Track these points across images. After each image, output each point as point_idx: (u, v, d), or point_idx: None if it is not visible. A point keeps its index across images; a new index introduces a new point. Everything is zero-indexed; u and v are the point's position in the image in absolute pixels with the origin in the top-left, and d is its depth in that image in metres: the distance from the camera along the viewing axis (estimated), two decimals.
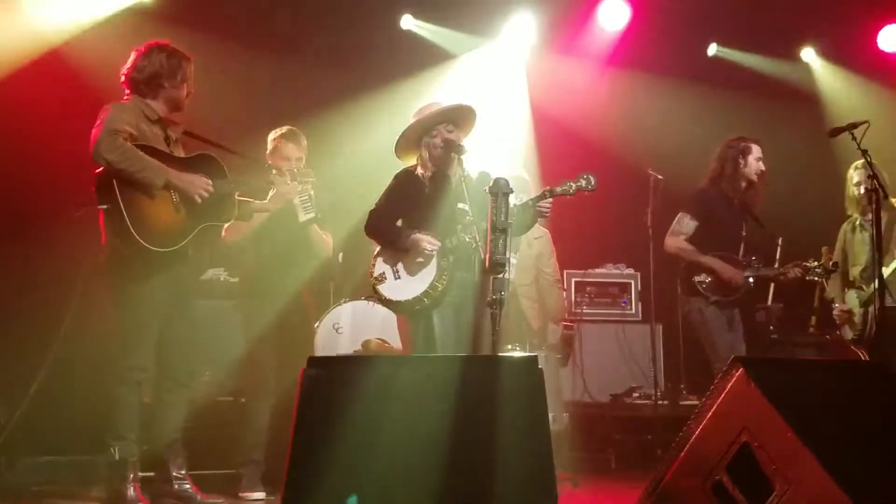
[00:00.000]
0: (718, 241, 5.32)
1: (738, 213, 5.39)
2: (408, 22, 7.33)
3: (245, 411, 4.96)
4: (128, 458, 4.19)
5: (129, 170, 3.98)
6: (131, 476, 4.19)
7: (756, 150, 5.38)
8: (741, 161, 5.36)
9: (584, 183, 4.29)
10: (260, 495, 4.78)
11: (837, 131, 4.90)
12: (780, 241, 7.18)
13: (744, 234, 5.39)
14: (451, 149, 4.30)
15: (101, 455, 4.56)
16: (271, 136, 5.05)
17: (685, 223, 5.37)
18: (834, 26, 7.62)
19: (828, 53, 7.87)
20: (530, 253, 5.97)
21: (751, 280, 5.28)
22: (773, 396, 2.85)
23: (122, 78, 4.26)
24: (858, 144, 4.87)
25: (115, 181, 3.99)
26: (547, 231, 6.08)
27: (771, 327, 6.81)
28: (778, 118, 7.69)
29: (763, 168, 5.37)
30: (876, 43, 7.62)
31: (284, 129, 5.06)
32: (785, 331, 6.98)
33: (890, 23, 7.54)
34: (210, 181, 4.23)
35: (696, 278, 5.29)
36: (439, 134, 4.39)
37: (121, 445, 4.19)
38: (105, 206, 4.05)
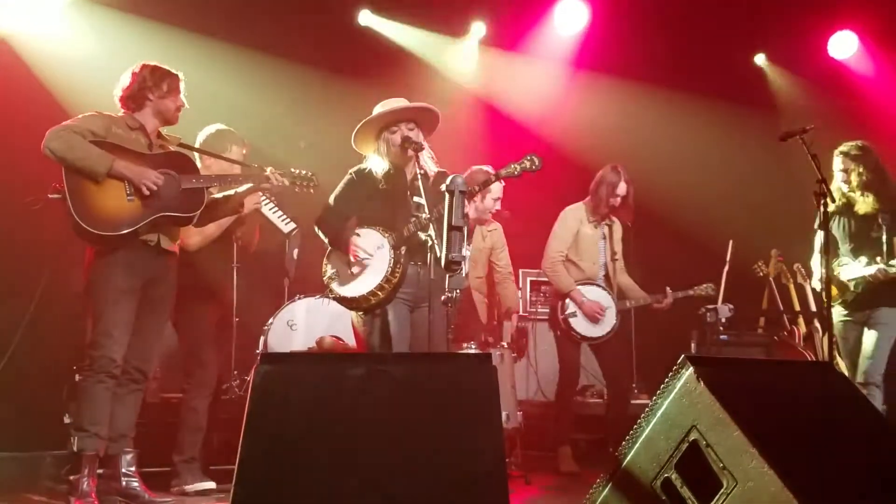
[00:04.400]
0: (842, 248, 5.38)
1: (863, 217, 5.35)
2: (365, 18, 7.31)
3: (186, 410, 4.91)
4: (85, 450, 4.17)
5: (69, 157, 4.12)
6: (86, 470, 4.16)
7: (836, 162, 5.38)
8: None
9: (528, 164, 4.31)
10: (210, 485, 4.77)
11: (788, 135, 4.98)
12: (731, 246, 7.30)
13: (874, 235, 5.31)
14: (409, 146, 4.30)
15: (49, 452, 4.51)
16: (211, 133, 5.03)
17: (816, 236, 5.41)
18: (786, 33, 7.76)
19: (780, 59, 8.01)
20: (484, 245, 5.98)
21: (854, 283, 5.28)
22: (722, 395, 2.88)
23: (117, 99, 4.45)
24: (808, 149, 4.96)
25: (63, 171, 4.13)
26: (500, 225, 6.11)
27: (720, 328, 6.90)
28: (731, 122, 7.82)
29: (843, 178, 5.34)
30: (826, 50, 7.77)
31: (220, 129, 5.05)
32: (734, 331, 7.09)
33: (839, 30, 7.70)
34: (160, 174, 4.26)
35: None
36: (399, 131, 4.39)
37: (80, 437, 4.19)
38: (56, 196, 4.16)
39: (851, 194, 5.38)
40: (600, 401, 6.65)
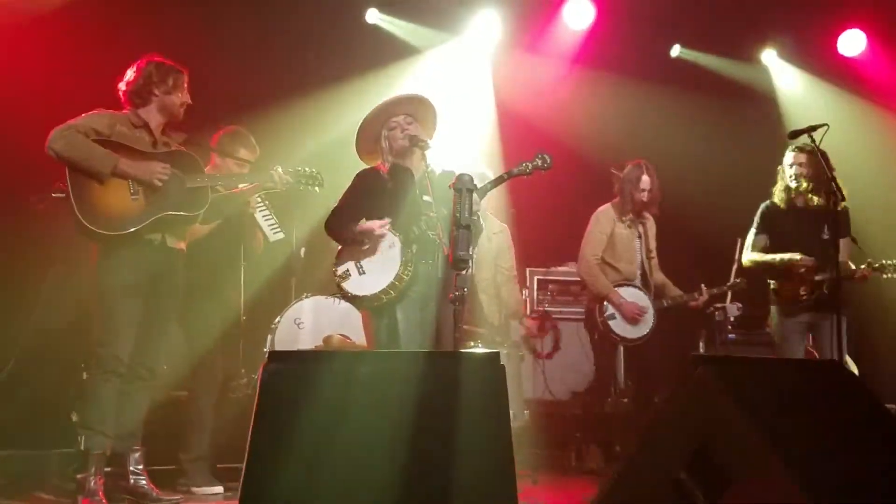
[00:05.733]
0: (792, 250, 5.37)
1: (815, 217, 5.34)
2: (373, 16, 7.30)
3: (191, 409, 4.93)
4: (92, 449, 4.18)
5: (73, 158, 4.12)
6: (94, 469, 4.17)
7: (788, 157, 5.44)
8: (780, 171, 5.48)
9: (540, 162, 4.28)
10: (218, 489, 4.77)
11: (797, 133, 4.97)
12: (739, 244, 7.27)
13: (825, 237, 5.26)
14: (415, 144, 4.28)
15: (56, 450, 4.51)
16: (226, 133, 5.06)
17: (753, 239, 5.54)
18: (795, 30, 7.73)
19: (789, 57, 7.98)
20: (489, 247, 5.97)
21: (821, 284, 5.23)
22: (732, 394, 2.87)
23: (121, 94, 4.42)
24: (817, 147, 4.94)
25: (67, 170, 4.14)
26: (506, 226, 6.10)
27: (729, 327, 6.88)
28: (738, 119, 7.79)
29: (797, 172, 5.36)
30: (835, 47, 7.74)
31: (235, 129, 5.06)
32: (743, 330, 7.06)
33: (849, 28, 7.67)
34: (167, 166, 4.26)
35: (771, 286, 5.44)
36: (398, 126, 4.37)
37: (87, 436, 4.20)
38: (59, 195, 4.19)
39: (801, 191, 5.34)
40: (608, 400, 6.63)
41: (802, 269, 5.27)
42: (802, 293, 5.27)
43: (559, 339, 6.65)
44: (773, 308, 5.48)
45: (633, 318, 5.70)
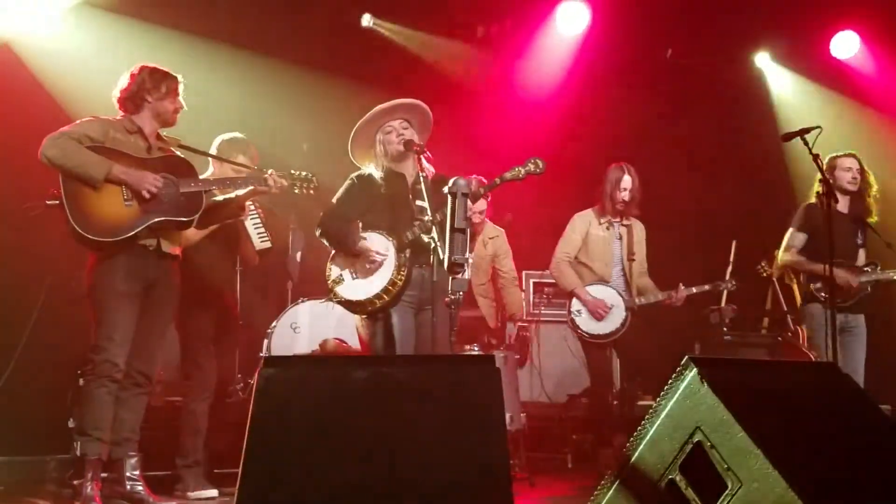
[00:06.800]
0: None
1: (851, 223, 5.61)
2: (368, 21, 7.31)
3: (187, 414, 4.92)
4: (88, 455, 4.18)
5: (66, 165, 4.14)
6: (90, 474, 4.16)
7: (842, 162, 5.61)
8: (829, 176, 5.55)
9: (532, 167, 4.32)
10: (213, 493, 4.77)
11: (790, 136, 4.99)
12: (734, 246, 7.28)
13: (860, 242, 5.65)
14: (410, 148, 4.30)
15: (53, 456, 4.51)
16: (225, 139, 5.07)
17: (794, 237, 5.68)
18: (788, 33, 7.75)
19: (782, 59, 8.01)
20: (486, 253, 6.00)
21: (866, 284, 5.53)
22: (726, 396, 2.88)
23: (115, 101, 4.45)
24: (810, 149, 4.96)
25: (60, 177, 4.15)
26: (503, 230, 6.12)
27: (724, 328, 6.89)
28: (732, 121, 7.81)
29: (853, 177, 5.58)
30: (828, 49, 7.77)
31: (235, 136, 5.07)
32: (738, 332, 7.08)
33: (842, 30, 7.69)
34: (159, 177, 4.26)
35: (813, 286, 5.57)
36: (394, 130, 4.38)
37: (83, 441, 4.20)
38: (53, 202, 4.17)
39: (853, 195, 5.49)
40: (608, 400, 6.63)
41: (843, 281, 5.41)
42: (846, 301, 5.46)
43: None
44: (810, 305, 5.60)
45: (596, 314, 5.71)
